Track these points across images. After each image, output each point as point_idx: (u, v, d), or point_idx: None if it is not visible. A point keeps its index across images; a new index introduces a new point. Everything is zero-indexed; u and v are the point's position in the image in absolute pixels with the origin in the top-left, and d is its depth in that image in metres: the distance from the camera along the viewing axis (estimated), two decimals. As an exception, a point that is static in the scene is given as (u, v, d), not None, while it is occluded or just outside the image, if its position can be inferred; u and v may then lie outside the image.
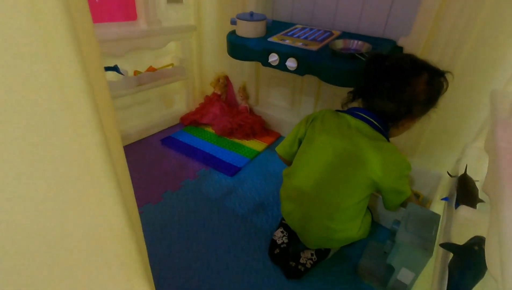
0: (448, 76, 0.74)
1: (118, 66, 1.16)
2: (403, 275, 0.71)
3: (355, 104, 0.83)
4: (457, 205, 0.64)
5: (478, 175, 0.74)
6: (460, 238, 0.54)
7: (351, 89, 0.85)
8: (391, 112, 0.75)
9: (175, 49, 1.40)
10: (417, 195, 1.04)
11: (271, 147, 1.38)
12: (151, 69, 1.31)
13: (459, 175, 0.72)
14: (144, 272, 0.22)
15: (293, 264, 0.81)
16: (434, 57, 0.85)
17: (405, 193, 0.74)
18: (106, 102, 0.26)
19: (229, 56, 1.15)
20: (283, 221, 0.92)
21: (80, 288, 0.19)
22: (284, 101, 1.41)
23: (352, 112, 0.78)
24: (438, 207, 0.85)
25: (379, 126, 0.74)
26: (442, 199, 0.73)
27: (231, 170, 1.21)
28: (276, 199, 1.07)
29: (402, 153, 0.74)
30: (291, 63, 0.94)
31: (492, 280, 0.51)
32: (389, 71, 0.73)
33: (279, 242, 0.86)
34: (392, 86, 0.72)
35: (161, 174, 1.18)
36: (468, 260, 0.48)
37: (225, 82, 1.55)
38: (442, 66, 0.75)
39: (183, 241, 0.90)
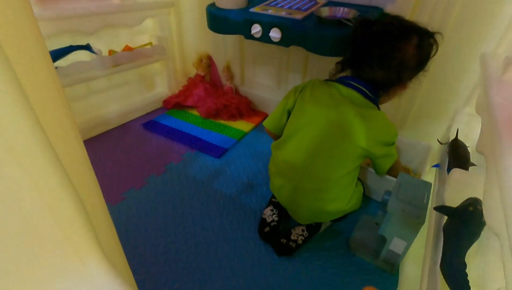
0: (437, 38, 0.71)
1: (91, 44, 1.08)
2: (395, 244, 0.70)
3: (343, 75, 0.80)
4: (449, 170, 0.63)
5: (469, 141, 0.72)
6: (454, 201, 0.52)
7: (339, 60, 0.81)
8: (382, 80, 0.72)
9: (152, 26, 1.32)
10: (406, 169, 1.03)
11: (258, 128, 1.34)
12: (127, 49, 1.23)
13: (450, 140, 0.70)
14: (96, 242, 0.18)
15: (284, 241, 0.78)
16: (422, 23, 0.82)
17: (392, 156, 0.74)
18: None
19: (210, 32, 1.08)
20: (272, 199, 0.89)
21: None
22: (270, 80, 1.36)
23: (342, 81, 0.75)
24: (428, 177, 0.83)
25: (370, 95, 0.71)
26: (433, 166, 0.72)
27: (217, 151, 1.16)
28: (265, 178, 1.04)
29: (390, 121, 0.71)
30: (275, 34, 0.89)
31: (489, 239, 0.50)
32: (377, 37, 0.70)
33: (269, 220, 0.83)
34: (381, 52, 0.69)
35: (144, 159, 1.13)
36: (464, 221, 0.46)
37: (208, 62, 1.49)
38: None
39: (170, 224, 0.86)
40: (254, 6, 0.99)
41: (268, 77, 1.36)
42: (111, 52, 1.18)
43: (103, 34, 1.15)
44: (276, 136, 0.85)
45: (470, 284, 0.40)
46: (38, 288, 0.16)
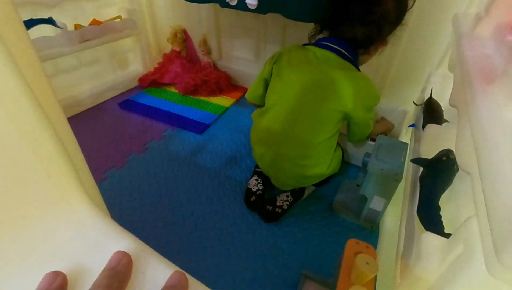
0: None
1: (53, 18, 1.00)
2: (375, 203, 0.73)
3: (322, 37, 0.79)
4: (424, 127, 0.66)
5: (442, 101, 0.75)
6: (429, 154, 0.55)
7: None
8: (363, 37, 0.72)
9: (120, -2, 1.24)
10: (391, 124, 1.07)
11: (239, 102, 1.33)
12: (95, 23, 1.15)
13: (425, 100, 0.73)
14: (79, 182, 0.17)
15: (270, 208, 0.80)
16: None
17: (370, 126, 0.76)
18: None
19: (183, 3, 1.04)
20: (257, 169, 0.90)
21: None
22: (249, 53, 1.34)
23: (318, 43, 0.74)
24: (405, 139, 0.87)
25: (348, 55, 0.71)
26: (409, 126, 0.75)
27: (199, 127, 1.15)
28: (248, 151, 1.05)
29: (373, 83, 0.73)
30: (251, 1, 0.86)
31: (459, 187, 0.54)
32: None
33: (254, 189, 0.85)
34: (362, 7, 0.69)
35: (123, 139, 1.09)
36: (438, 170, 0.49)
37: (183, 37, 1.43)
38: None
39: (155, 200, 0.86)
40: (228, -29, 0.95)
41: (246, 50, 1.33)
42: (77, 26, 1.10)
43: (66, 6, 1.07)
44: (259, 106, 0.84)
45: (443, 224, 0.43)
46: (25, 225, 0.15)
